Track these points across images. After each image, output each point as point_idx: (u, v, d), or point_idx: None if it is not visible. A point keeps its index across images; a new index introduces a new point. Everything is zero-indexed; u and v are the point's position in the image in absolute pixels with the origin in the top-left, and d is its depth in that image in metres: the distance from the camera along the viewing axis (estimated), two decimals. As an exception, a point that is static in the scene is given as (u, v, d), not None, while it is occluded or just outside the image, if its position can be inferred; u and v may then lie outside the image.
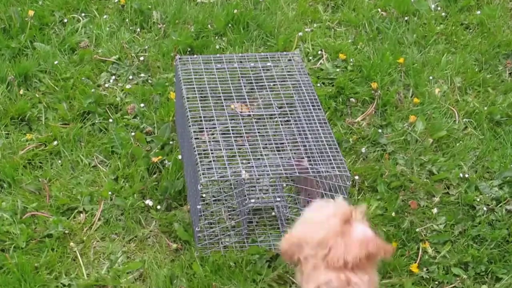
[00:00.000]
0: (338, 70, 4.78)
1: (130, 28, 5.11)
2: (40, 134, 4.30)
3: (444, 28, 5.27)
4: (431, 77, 4.78)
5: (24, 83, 4.62)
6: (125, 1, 5.29)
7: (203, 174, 3.40)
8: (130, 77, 4.71)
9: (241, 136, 3.70)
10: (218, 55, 4.20)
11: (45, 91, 4.59)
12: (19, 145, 4.20)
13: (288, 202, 3.84)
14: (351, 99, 4.56)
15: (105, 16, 5.19)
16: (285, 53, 4.15)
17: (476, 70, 4.89)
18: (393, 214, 3.83)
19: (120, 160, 4.12)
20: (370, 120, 4.45)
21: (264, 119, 3.91)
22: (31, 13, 5.03)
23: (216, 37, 5.07)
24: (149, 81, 4.69)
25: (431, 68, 4.88)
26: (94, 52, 4.89)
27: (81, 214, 3.85)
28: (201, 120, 3.75)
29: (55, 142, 4.22)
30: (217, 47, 4.96)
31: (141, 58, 4.78)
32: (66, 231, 3.73)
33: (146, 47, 4.91)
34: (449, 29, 5.26)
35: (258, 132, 3.71)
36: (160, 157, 4.07)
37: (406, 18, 5.33)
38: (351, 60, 4.84)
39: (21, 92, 4.54)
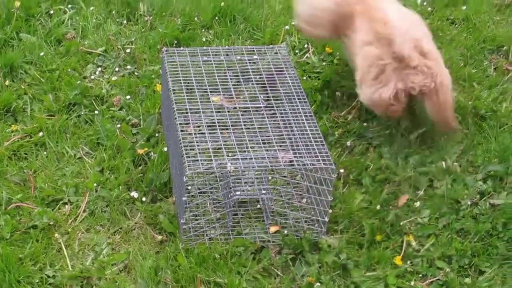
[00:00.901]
0: (324, 63, 4.79)
1: (117, 20, 5.11)
2: (26, 125, 4.29)
3: (430, 23, 5.28)
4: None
5: (9, 74, 4.61)
6: (111, -7, 5.29)
7: (188, 166, 3.40)
8: (116, 69, 4.71)
9: (227, 129, 3.71)
10: (204, 47, 4.21)
11: (31, 83, 4.58)
12: (4, 136, 4.19)
13: (274, 195, 3.85)
14: (337, 92, 4.57)
15: (91, 8, 5.18)
16: (271, 46, 4.15)
17: (461, 65, 4.91)
18: (378, 207, 3.85)
19: (105, 152, 4.11)
20: (355, 114, 4.46)
21: (250, 112, 3.92)
22: (17, 4, 5.01)
23: (203, 30, 5.07)
24: (135, 73, 4.69)
25: (417, 63, 4.89)
26: (80, 44, 4.88)
27: (66, 206, 3.85)
28: (187, 113, 3.75)
29: (41, 134, 4.21)
30: (204, 39, 4.96)
31: (128, 50, 4.77)
32: (51, 223, 3.73)
33: (133, 39, 4.90)
34: (435, 24, 5.28)
35: (244, 125, 3.72)
36: (145, 149, 4.07)
37: (392, 13, 5.34)
38: (337, 54, 4.85)
39: (7, 83, 4.53)
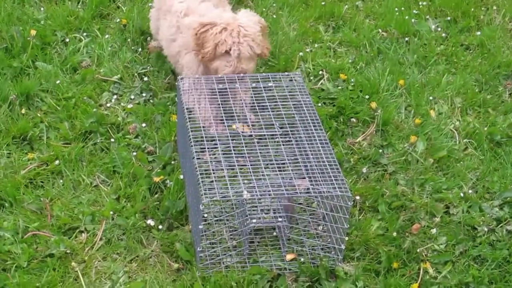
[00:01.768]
0: (339, 89, 4.80)
1: (132, 47, 5.14)
2: (42, 153, 4.31)
3: (445, 48, 5.30)
4: (431, 98, 4.81)
5: (26, 103, 4.64)
6: (126, 20, 5.32)
7: (205, 194, 3.41)
8: (132, 96, 4.73)
9: (243, 156, 3.71)
10: (220, 75, 4.22)
11: (47, 111, 4.60)
12: (20, 165, 4.21)
13: (290, 223, 3.84)
14: (352, 119, 4.58)
15: (106, 36, 5.22)
16: (286, 73, 4.17)
17: (476, 90, 4.92)
18: (394, 234, 3.84)
19: (121, 180, 4.13)
20: (371, 140, 4.46)
21: (266, 139, 3.92)
22: (33, 32, 5.06)
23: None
24: (151, 100, 4.71)
25: (432, 89, 4.90)
26: (96, 72, 4.91)
27: (83, 234, 3.85)
28: (202, 140, 3.77)
29: (57, 162, 4.23)
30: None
31: (145, 79, 4.80)
32: (68, 251, 3.73)
33: (148, 66, 4.93)
34: (449, 49, 5.29)
35: (260, 152, 3.72)
36: (161, 176, 4.08)
37: (406, 39, 5.36)
38: (352, 80, 4.87)
39: (23, 111, 4.56)
